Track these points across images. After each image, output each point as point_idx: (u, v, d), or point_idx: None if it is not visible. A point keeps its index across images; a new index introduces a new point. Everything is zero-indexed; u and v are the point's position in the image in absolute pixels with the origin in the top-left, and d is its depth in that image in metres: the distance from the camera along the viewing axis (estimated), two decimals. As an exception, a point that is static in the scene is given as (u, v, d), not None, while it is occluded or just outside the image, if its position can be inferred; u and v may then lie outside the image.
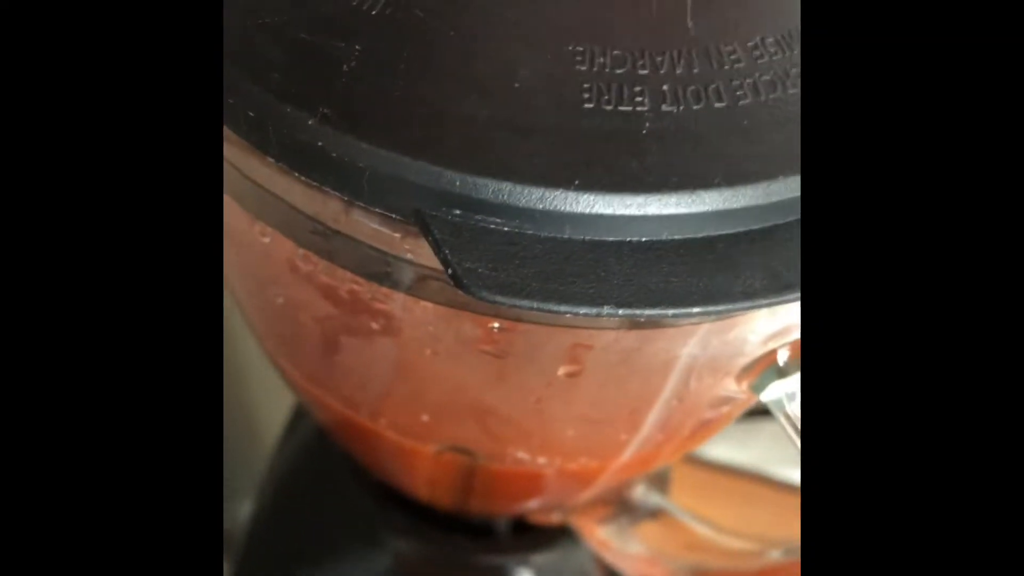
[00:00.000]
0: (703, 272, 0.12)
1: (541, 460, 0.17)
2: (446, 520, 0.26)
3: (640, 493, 0.23)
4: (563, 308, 0.11)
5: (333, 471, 0.27)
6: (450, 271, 0.11)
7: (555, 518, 0.25)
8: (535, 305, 0.11)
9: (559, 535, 0.26)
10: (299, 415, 0.30)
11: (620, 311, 0.11)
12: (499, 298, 0.11)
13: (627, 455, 0.18)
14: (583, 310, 0.11)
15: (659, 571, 0.22)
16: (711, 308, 0.12)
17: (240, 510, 0.30)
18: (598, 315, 0.11)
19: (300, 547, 0.27)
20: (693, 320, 0.13)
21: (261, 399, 0.38)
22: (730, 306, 0.12)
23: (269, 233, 0.14)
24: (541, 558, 0.26)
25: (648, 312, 0.12)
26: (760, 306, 0.12)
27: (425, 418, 0.17)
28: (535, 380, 0.15)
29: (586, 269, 0.12)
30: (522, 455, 0.17)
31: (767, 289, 0.12)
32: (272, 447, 0.30)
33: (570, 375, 0.15)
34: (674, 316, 0.12)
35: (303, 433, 0.29)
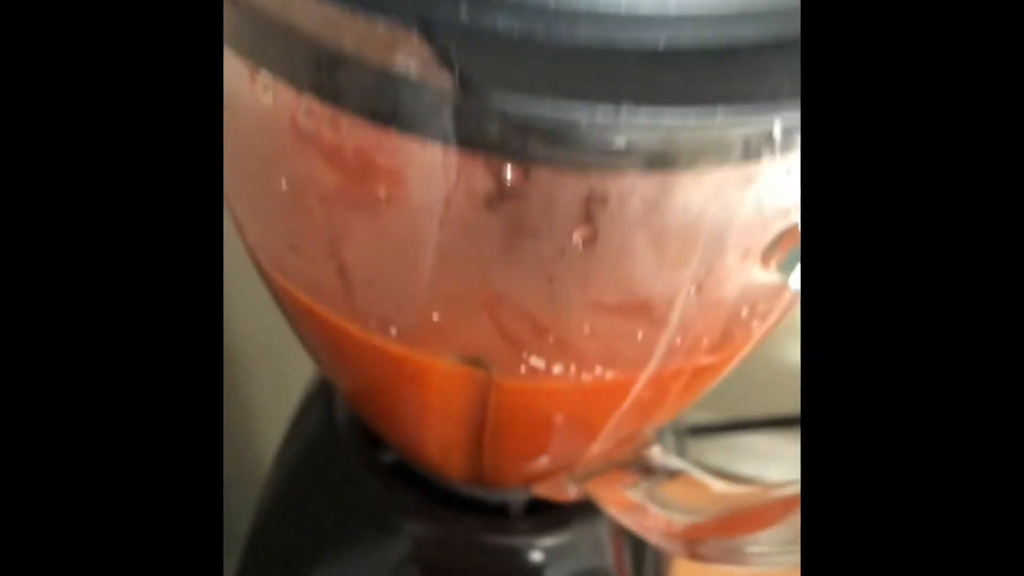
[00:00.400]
0: (727, 77, 0.11)
1: (557, 368, 0.16)
2: (459, 501, 0.25)
3: (657, 454, 0.22)
4: (577, 106, 0.11)
5: (341, 459, 0.26)
6: (457, 74, 0.11)
7: (571, 493, 0.24)
8: (547, 110, 0.11)
9: (574, 514, 0.25)
10: (305, 406, 0.29)
11: (640, 108, 0.11)
12: (509, 99, 0.11)
13: (648, 369, 0.17)
14: (599, 110, 0.11)
15: (682, 528, 0.21)
16: (734, 109, 0.11)
17: (244, 503, 0.29)
18: (616, 115, 0.11)
19: (310, 537, 0.26)
20: (713, 136, 0.13)
21: (264, 393, 0.38)
22: (757, 107, 0.11)
23: (270, 86, 0.14)
24: (556, 539, 0.25)
25: (669, 112, 0.11)
26: (788, 110, 0.11)
27: (436, 317, 0.16)
28: (548, 250, 0.14)
29: (601, 72, 0.11)
30: (537, 362, 0.16)
31: (795, 92, 0.11)
32: (277, 438, 0.30)
33: (586, 241, 0.14)
34: (697, 121, 0.11)
35: (310, 423, 0.28)
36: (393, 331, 0.17)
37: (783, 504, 0.19)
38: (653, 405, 0.19)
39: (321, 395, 0.27)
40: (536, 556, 0.25)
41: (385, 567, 0.25)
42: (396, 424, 0.23)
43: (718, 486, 0.22)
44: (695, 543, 0.20)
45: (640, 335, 0.16)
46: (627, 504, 0.22)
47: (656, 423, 0.22)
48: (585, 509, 0.25)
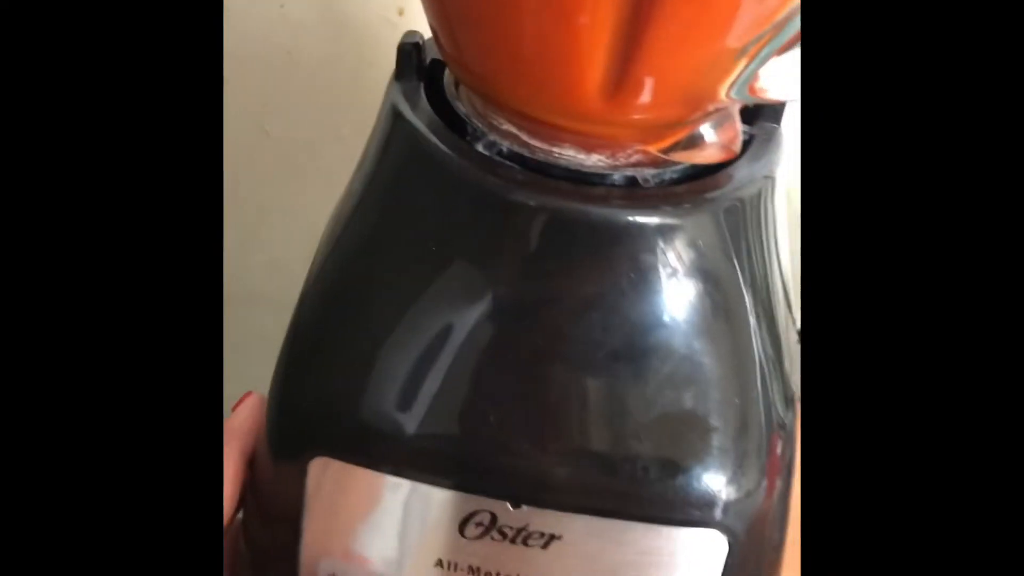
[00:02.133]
0: None
1: None
2: (581, 177, 0.23)
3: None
4: None
5: (437, 160, 0.23)
6: None
7: (705, 151, 0.23)
8: None
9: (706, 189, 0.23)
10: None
11: None
12: None
13: None
14: None
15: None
16: None
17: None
18: None
19: (414, 243, 0.23)
20: None
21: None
22: None
23: None
24: (687, 216, 0.22)
25: None
26: None
27: None
28: None
29: None
30: None
31: None
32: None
33: None
34: None
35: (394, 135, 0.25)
36: None
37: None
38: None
39: (392, 115, 0.24)
40: (664, 234, 0.22)
41: (493, 256, 0.22)
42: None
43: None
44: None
45: None
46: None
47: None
48: (716, 185, 0.23)
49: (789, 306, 0.26)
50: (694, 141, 0.23)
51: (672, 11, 0.18)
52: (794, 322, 0.27)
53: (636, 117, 0.21)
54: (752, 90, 0.21)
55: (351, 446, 0.23)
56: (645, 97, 0.20)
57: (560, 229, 0.22)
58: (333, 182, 0.40)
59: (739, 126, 0.23)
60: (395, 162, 0.24)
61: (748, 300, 0.23)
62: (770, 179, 0.25)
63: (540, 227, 0.22)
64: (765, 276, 0.24)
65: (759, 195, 0.24)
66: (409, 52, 0.24)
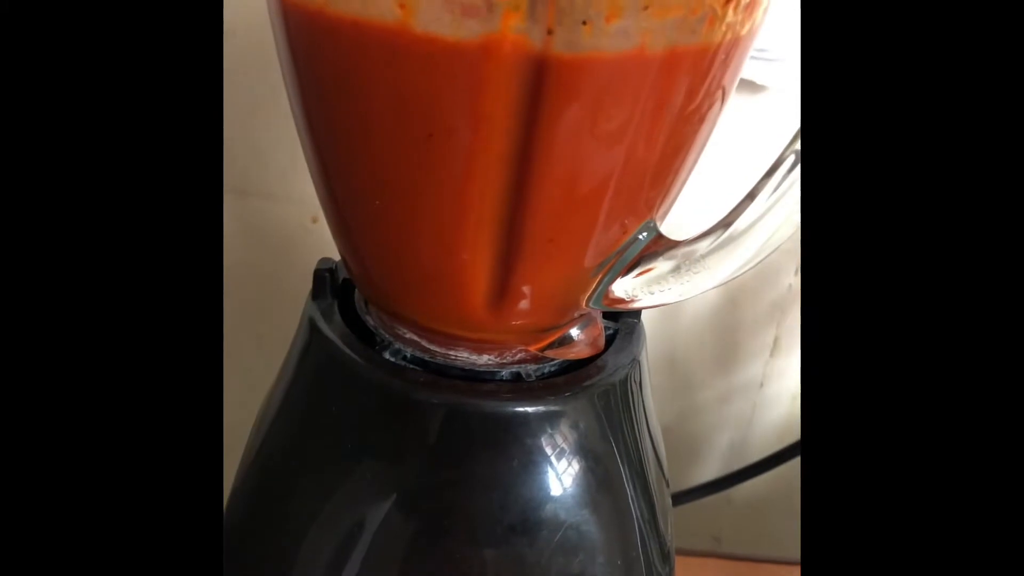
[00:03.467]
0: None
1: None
2: (472, 375, 0.26)
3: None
4: None
5: (343, 364, 0.27)
6: None
7: (578, 349, 0.27)
8: None
9: (583, 379, 0.27)
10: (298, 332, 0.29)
11: None
12: None
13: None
14: None
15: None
16: None
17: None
18: None
19: (320, 439, 0.27)
20: None
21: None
22: None
23: None
24: (568, 404, 0.26)
25: None
26: None
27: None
28: None
29: None
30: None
31: None
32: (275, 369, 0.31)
33: None
34: None
35: (307, 343, 0.29)
36: None
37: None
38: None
39: (310, 329, 0.28)
40: (549, 420, 0.26)
41: (400, 449, 0.25)
42: (421, 239, 0.23)
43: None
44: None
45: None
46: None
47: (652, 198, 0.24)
48: (588, 375, 0.27)
49: (661, 466, 0.30)
50: (565, 341, 0.27)
51: (537, 247, 0.23)
52: (666, 481, 0.31)
53: (516, 324, 0.26)
54: (607, 301, 0.25)
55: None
56: (521, 309, 0.25)
57: (458, 422, 0.25)
58: (253, 382, 0.43)
59: (601, 326, 0.28)
60: (312, 371, 0.28)
61: (624, 471, 0.27)
62: (636, 362, 0.29)
63: (440, 421, 0.25)
64: (637, 446, 0.28)
65: (627, 378, 0.28)
66: (324, 276, 0.29)
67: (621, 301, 0.25)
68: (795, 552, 0.55)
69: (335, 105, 0.22)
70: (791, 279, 0.50)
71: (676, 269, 0.24)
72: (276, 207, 0.46)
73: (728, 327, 0.51)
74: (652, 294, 0.25)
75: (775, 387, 0.53)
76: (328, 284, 0.29)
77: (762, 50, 0.39)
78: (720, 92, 0.23)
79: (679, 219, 0.40)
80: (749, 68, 0.41)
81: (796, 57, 0.40)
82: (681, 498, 0.50)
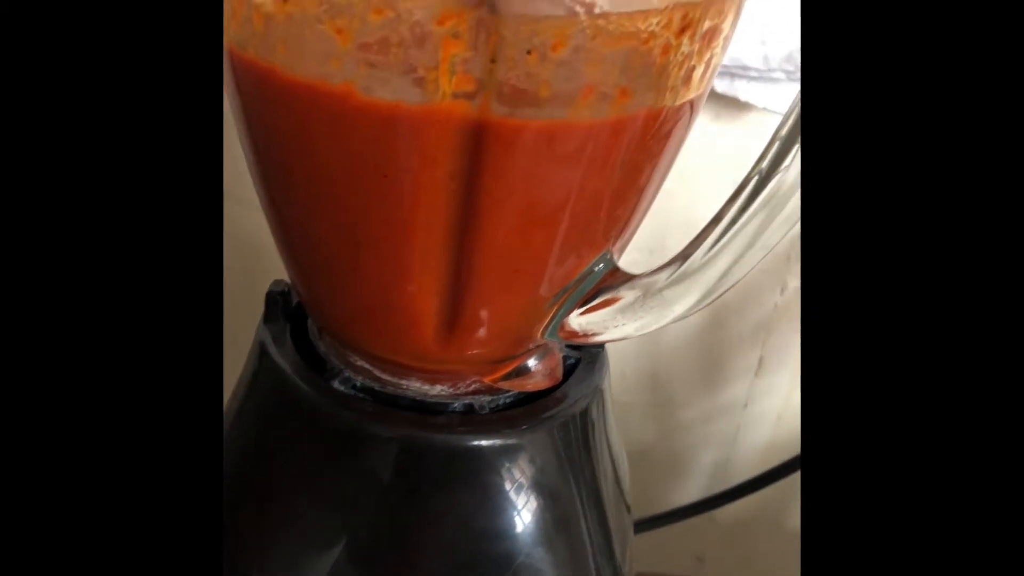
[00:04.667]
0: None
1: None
2: (423, 407, 0.26)
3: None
4: None
5: (295, 397, 0.26)
6: None
7: (533, 381, 0.26)
8: None
9: (537, 412, 0.26)
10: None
11: None
12: None
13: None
14: None
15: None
16: None
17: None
18: None
19: (274, 471, 0.26)
20: None
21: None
22: None
23: None
24: (522, 437, 0.25)
25: None
26: None
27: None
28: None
29: None
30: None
31: None
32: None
33: None
34: None
35: (256, 372, 0.28)
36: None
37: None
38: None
39: (260, 354, 0.27)
40: (504, 454, 0.25)
41: (347, 482, 0.24)
42: (371, 261, 0.22)
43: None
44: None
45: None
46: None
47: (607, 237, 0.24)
48: (544, 407, 0.26)
49: (622, 492, 0.29)
50: (522, 371, 0.26)
51: (486, 281, 0.22)
52: (627, 507, 0.30)
53: (468, 355, 0.25)
54: (563, 334, 0.24)
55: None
56: (473, 341, 0.24)
57: (408, 456, 0.24)
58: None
59: (559, 356, 0.27)
60: (261, 397, 0.27)
61: (581, 505, 0.26)
62: (599, 391, 0.28)
63: (389, 455, 0.24)
64: (595, 477, 0.27)
65: (587, 409, 0.27)
66: (276, 299, 0.28)
67: (577, 335, 0.24)
68: (781, 573, 0.54)
69: (283, 153, 0.22)
70: (776, 298, 0.49)
71: (634, 303, 0.23)
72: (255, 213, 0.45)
73: (712, 346, 0.50)
74: (609, 329, 0.24)
75: (760, 407, 0.52)
76: (280, 307, 0.28)
77: (745, 68, 0.38)
78: (675, 134, 0.23)
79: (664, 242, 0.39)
80: (735, 86, 0.40)
81: (783, 75, 0.39)
82: (663, 519, 0.49)
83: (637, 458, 0.53)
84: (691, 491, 0.55)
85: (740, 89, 0.40)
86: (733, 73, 0.39)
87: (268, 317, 0.28)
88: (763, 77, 0.39)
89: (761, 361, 0.51)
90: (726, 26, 0.22)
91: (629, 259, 0.25)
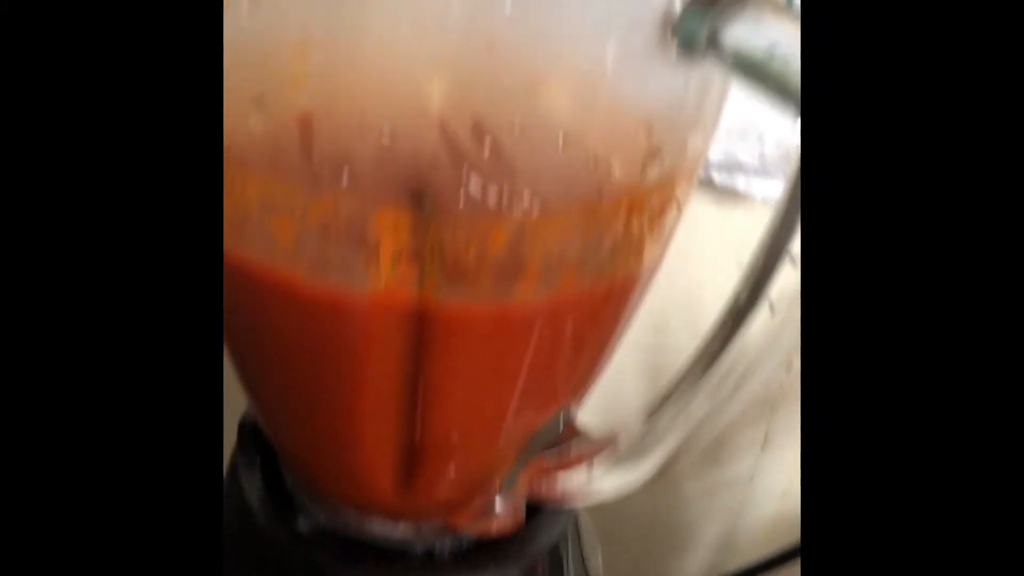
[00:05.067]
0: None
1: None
2: (383, 553, 0.25)
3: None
4: None
5: (255, 536, 0.26)
6: None
7: (493, 523, 0.25)
8: None
9: (497, 557, 0.26)
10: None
11: None
12: None
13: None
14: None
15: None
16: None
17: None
18: None
19: None
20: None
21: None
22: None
23: None
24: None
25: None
26: None
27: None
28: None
29: None
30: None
31: None
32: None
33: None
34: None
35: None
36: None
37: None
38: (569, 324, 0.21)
39: (230, 480, 0.27)
40: None
41: None
42: (325, 425, 0.23)
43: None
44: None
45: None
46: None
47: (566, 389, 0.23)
48: (507, 550, 0.26)
49: None
50: (488, 508, 0.26)
51: (440, 445, 0.22)
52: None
53: (428, 505, 0.25)
54: (522, 488, 0.24)
55: None
56: (432, 494, 0.24)
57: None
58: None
59: (523, 495, 0.27)
60: (229, 518, 0.27)
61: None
62: (575, 522, 0.28)
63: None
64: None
65: (556, 547, 0.27)
66: (249, 428, 0.28)
67: (539, 492, 0.24)
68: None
69: (243, 318, 0.22)
70: (782, 376, 0.48)
71: (602, 462, 0.23)
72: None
73: (717, 420, 0.50)
74: (570, 486, 0.24)
75: (765, 482, 0.51)
76: (252, 437, 0.28)
77: (739, 163, 0.38)
78: (631, 300, 0.22)
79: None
80: (734, 179, 0.39)
81: (780, 173, 0.38)
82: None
83: (641, 531, 0.53)
84: (695, 565, 0.54)
85: (739, 182, 0.39)
86: (731, 167, 0.39)
87: (241, 446, 0.28)
88: (760, 172, 0.38)
89: (767, 437, 0.50)
90: (680, 192, 0.21)
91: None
